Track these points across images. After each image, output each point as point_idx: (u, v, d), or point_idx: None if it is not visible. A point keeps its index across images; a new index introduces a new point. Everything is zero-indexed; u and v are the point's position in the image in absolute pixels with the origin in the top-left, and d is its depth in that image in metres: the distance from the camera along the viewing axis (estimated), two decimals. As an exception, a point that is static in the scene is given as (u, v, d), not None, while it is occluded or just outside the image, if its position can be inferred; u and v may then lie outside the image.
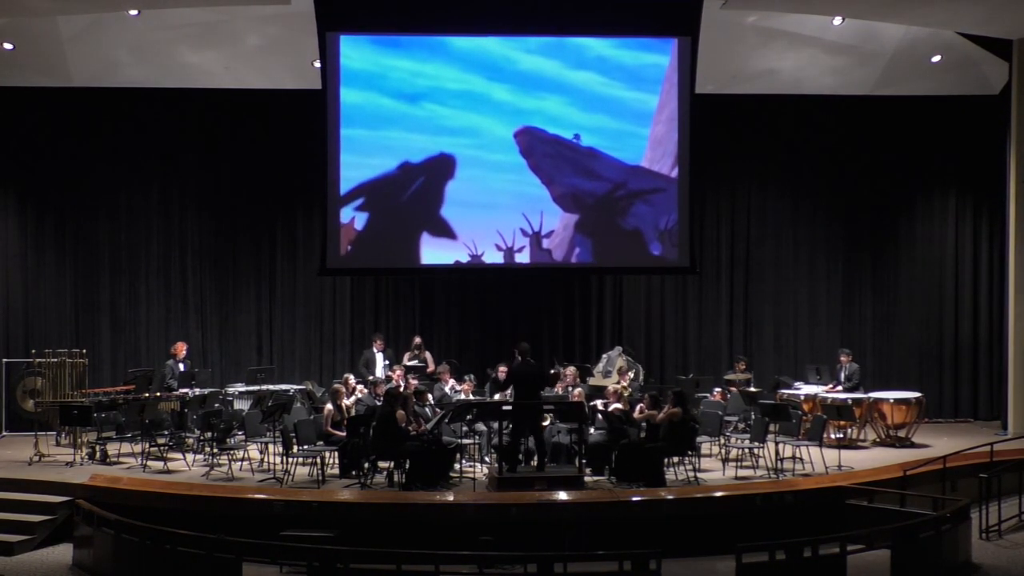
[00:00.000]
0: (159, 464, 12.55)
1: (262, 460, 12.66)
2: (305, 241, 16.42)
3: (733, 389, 14.58)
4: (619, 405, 12.60)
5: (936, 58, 15.71)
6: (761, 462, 12.58)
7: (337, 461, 12.30)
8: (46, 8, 13.65)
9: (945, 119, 16.60)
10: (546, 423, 12.25)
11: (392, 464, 11.81)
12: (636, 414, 12.25)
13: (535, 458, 11.77)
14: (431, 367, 14.78)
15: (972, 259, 16.91)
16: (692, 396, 13.91)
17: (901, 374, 16.54)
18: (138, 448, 12.97)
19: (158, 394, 13.82)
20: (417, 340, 15.20)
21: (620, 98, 14.90)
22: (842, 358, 14.60)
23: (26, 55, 14.88)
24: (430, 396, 13.24)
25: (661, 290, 16.95)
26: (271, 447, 12.60)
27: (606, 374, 14.86)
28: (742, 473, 12.47)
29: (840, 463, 12.55)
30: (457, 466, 12.23)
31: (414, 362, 14.70)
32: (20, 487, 11.70)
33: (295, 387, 14.91)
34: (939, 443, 13.94)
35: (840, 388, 14.31)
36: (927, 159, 16.87)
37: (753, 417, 13.16)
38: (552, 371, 13.83)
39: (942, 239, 16.98)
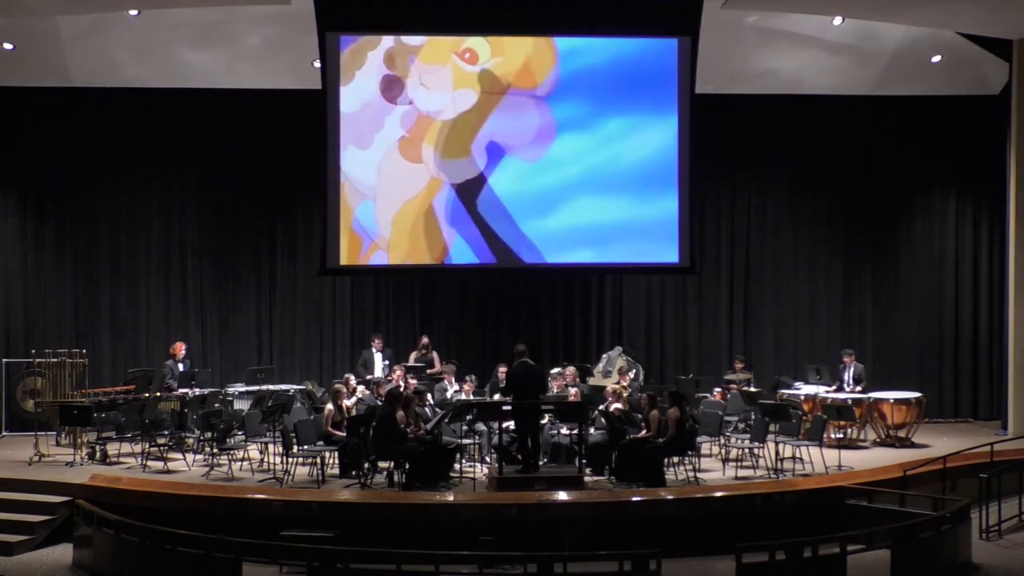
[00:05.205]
0: (159, 464, 12.56)
1: (262, 460, 12.67)
2: (305, 241, 16.41)
3: (733, 388, 14.59)
4: (619, 405, 12.60)
5: (936, 58, 15.71)
6: (761, 462, 12.58)
7: (337, 461, 12.29)
8: (46, 8, 13.65)
9: (945, 119, 16.58)
10: (544, 422, 12.25)
11: (392, 464, 11.81)
12: (644, 433, 12.11)
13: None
14: (437, 367, 14.78)
15: (972, 259, 16.89)
16: (692, 396, 13.90)
17: (901, 374, 16.52)
18: (138, 448, 12.99)
19: (158, 394, 13.81)
20: (424, 340, 15.23)
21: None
22: (845, 358, 14.59)
23: (26, 55, 14.87)
24: (430, 396, 13.24)
25: (661, 290, 16.93)
26: (271, 447, 12.60)
27: (606, 374, 14.87)
28: (742, 473, 12.47)
29: (840, 463, 12.55)
30: (457, 466, 12.22)
31: (421, 363, 14.71)
32: (20, 487, 11.70)
33: (295, 387, 14.92)
34: (939, 443, 13.93)
35: (849, 389, 14.24)
36: (927, 159, 16.85)
37: (753, 417, 13.17)
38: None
39: (942, 239, 16.96)
